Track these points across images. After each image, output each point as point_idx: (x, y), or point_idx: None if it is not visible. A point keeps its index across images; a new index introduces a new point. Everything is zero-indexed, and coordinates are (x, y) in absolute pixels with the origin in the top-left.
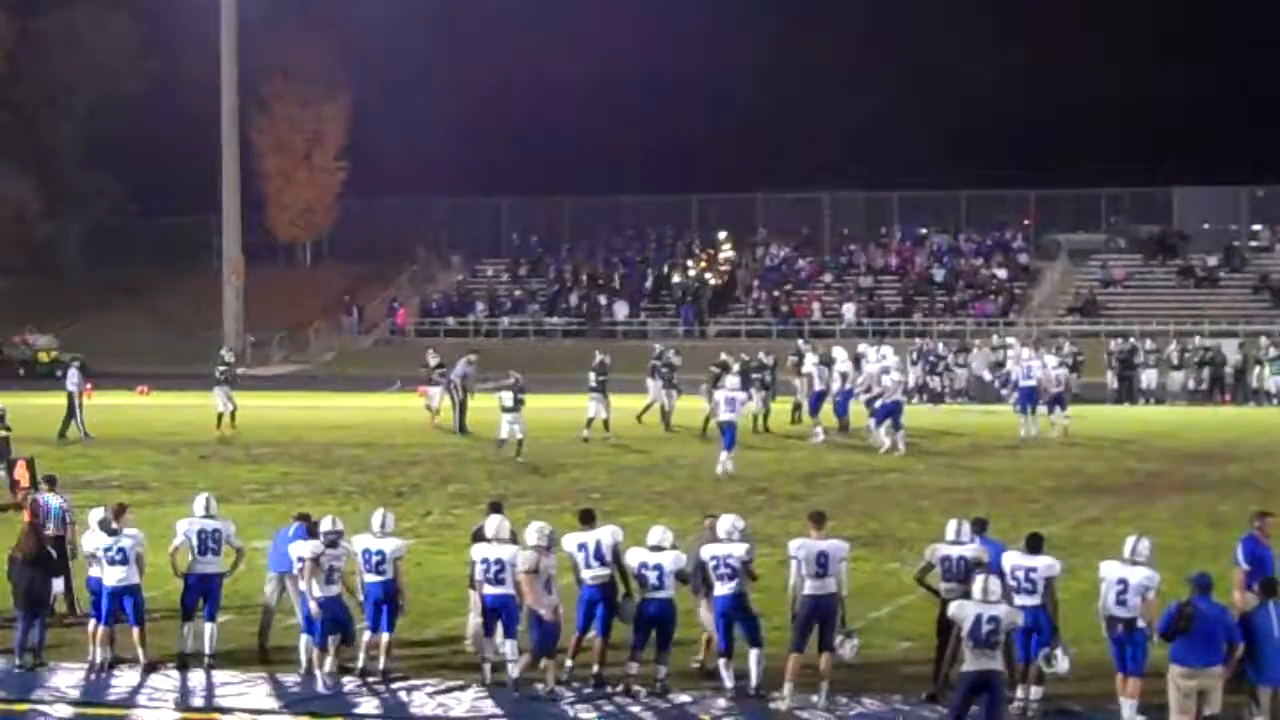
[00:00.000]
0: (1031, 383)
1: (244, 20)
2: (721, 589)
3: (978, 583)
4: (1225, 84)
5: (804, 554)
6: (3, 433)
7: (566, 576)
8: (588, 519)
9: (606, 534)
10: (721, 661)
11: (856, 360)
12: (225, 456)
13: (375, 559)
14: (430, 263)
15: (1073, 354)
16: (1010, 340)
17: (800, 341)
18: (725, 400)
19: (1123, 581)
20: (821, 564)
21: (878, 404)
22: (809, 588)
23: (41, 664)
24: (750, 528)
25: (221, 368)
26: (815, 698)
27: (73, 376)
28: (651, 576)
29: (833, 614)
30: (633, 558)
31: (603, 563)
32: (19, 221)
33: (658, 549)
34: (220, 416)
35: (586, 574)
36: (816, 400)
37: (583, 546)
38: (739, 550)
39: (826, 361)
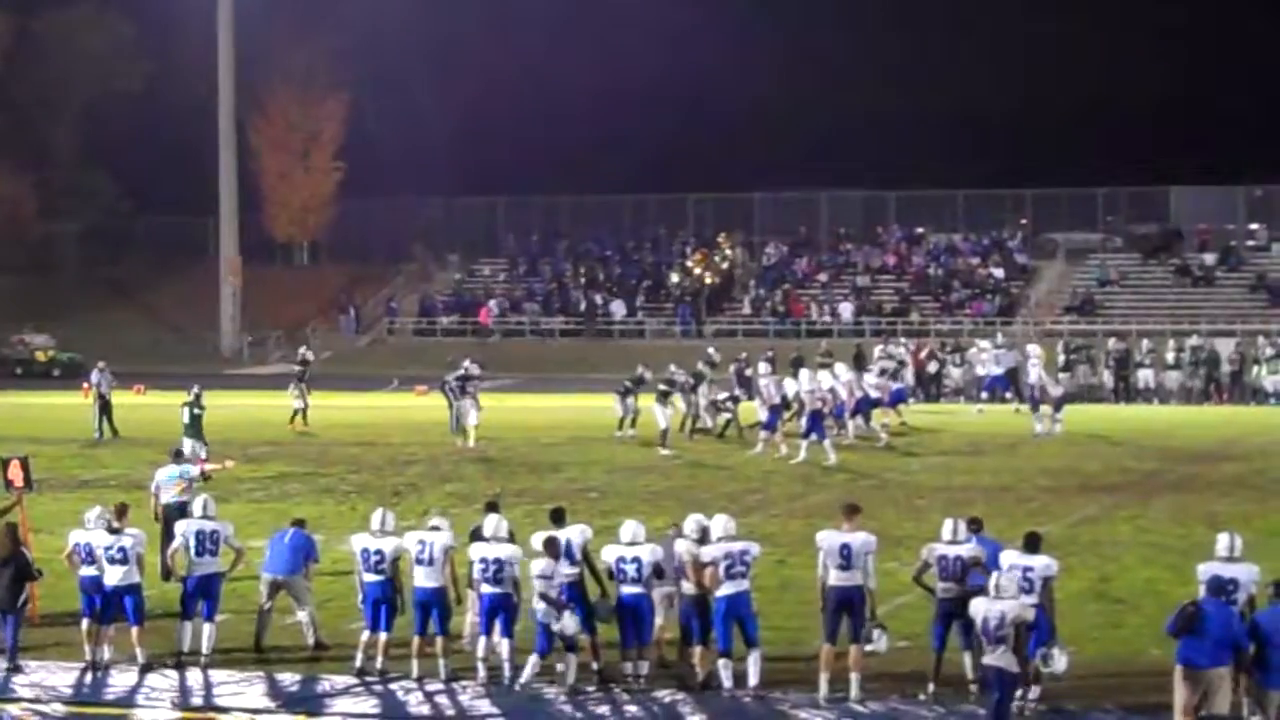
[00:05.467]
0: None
1: (241, 20)
2: (729, 587)
3: (992, 579)
4: (1222, 83)
5: (828, 545)
6: None
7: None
8: (558, 518)
9: (576, 533)
10: (721, 662)
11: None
12: (223, 456)
13: (374, 558)
14: (427, 263)
15: (1066, 354)
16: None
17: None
18: None
19: (1233, 582)
20: (845, 556)
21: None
22: (833, 579)
23: (16, 668)
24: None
25: (298, 365)
26: (818, 695)
27: (102, 379)
28: (630, 570)
29: (858, 606)
30: (609, 554)
31: (572, 561)
32: (15, 221)
33: (634, 544)
34: (295, 413)
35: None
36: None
37: None
38: (753, 547)
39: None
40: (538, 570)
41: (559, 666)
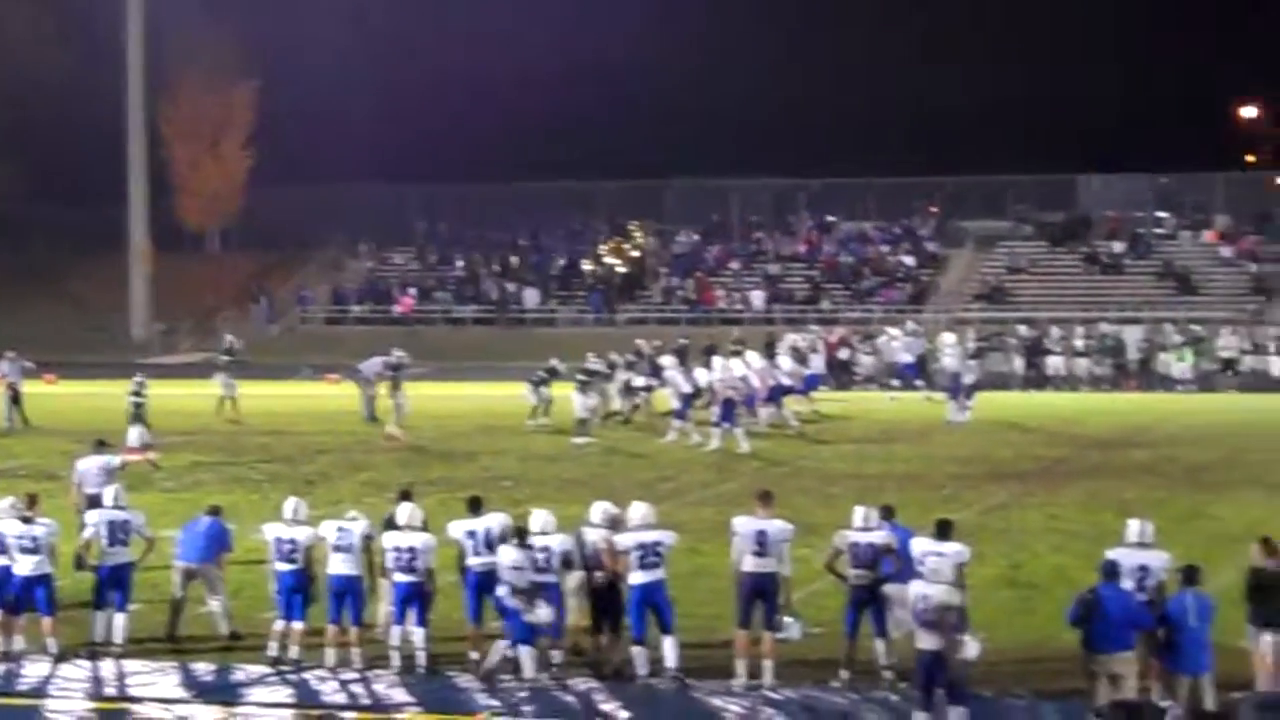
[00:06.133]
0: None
1: (151, 6)
2: (644, 576)
3: (929, 562)
4: (1127, 75)
5: (744, 531)
6: None
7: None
8: (476, 506)
9: (495, 521)
10: (636, 650)
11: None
12: (146, 449)
13: (287, 547)
14: (339, 251)
15: (977, 341)
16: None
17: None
18: None
19: (1143, 568)
20: (760, 542)
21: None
22: (748, 565)
23: None
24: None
25: (224, 356)
26: (731, 682)
27: (12, 368)
28: (540, 559)
29: (773, 593)
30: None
31: (491, 550)
32: None
33: (544, 533)
34: (221, 401)
35: (474, 561)
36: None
37: (471, 534)
38: (667, 538)
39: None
40: (510, 561)
41: (492, 657)
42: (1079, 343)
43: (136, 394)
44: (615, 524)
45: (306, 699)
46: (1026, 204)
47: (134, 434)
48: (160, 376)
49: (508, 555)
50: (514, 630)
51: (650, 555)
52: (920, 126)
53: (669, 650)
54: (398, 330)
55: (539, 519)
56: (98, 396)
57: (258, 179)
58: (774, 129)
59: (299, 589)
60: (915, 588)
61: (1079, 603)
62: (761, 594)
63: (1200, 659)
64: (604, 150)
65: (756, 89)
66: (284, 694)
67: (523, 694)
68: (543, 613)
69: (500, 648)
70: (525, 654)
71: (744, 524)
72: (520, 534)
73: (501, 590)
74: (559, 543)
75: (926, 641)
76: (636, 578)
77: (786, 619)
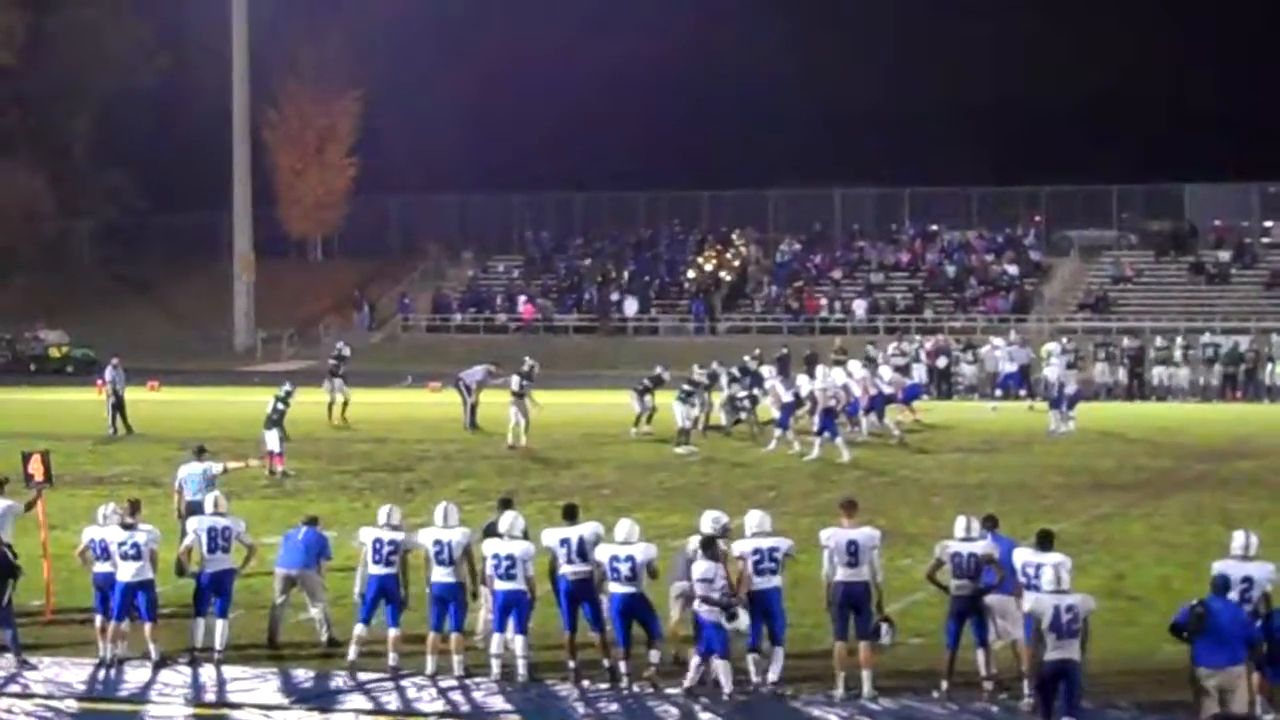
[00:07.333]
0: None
1: (255, 17)
2: (760, 583)
3: (1048, 574)
4: (1236, 81)
5: (834, 543)
6: None
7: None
8: (571, 515)
9: (589, 530)
10: (750, 657)
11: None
12: (236, 454)
13: (387, 549)
14: (441, 259)
15: (1074, 351)
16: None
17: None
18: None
19: (1247, 579)
20: (852, 552)
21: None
22: (840, 575)
23: (25, 663)
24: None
25: (333, 360)
26: (835, 692)
27: (116, 375)
28: (624, 569)
29: (865, 602)
30: (602, 553)
31: (584, 559)
32: (31, 218)
33: (627, 543)
34: (330, 407)
35: (567, 569)
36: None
37: (565, 542)
38: (784, 544)
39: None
40: (699, 574)
41: (693, 675)
42: (1177, 353)
43: (284, 400)
44: (726, 533)
45: (405, 706)
46: (1132, 213)
47: (270, 438)
48: (263, 384)
49: (698, 567)
50: (710, 643)
51: (767, 561)
52: (1024, 134)
53: (775, 664)
54: (499, 338)
55: (623, 528)
56: (200, 404)
57: (361, 187)
58: (877, 137)
59: (392, 594)
60: (1046, 599)
61: (1188, 614)
62: (855, 604)
63: None
64: (707, 159)
65: (860, 97)
66: (382, 700)
67: (615, 705)
68: (742, 620)
69: (697, 663)
70: (722, 667)
71: (833, 535)
72: (709, 544)
73: (695, 602)
74: (642, 552)
75: (1063, 651)
76: (760, 583)
77: (881, 626)
